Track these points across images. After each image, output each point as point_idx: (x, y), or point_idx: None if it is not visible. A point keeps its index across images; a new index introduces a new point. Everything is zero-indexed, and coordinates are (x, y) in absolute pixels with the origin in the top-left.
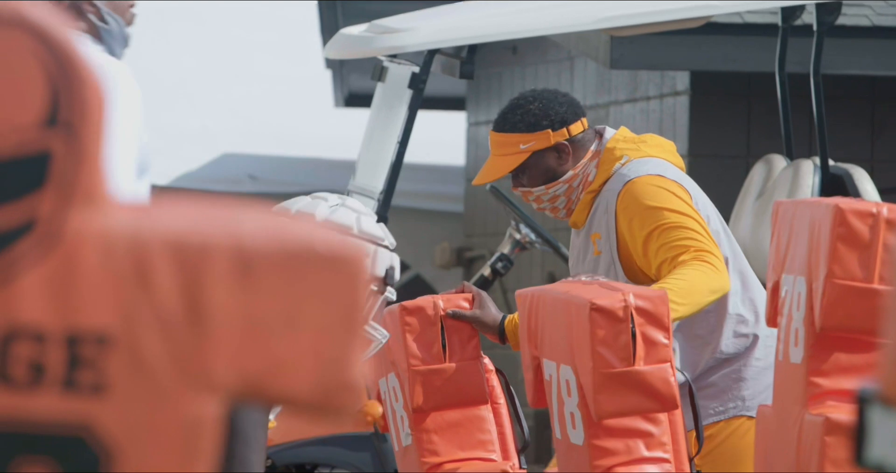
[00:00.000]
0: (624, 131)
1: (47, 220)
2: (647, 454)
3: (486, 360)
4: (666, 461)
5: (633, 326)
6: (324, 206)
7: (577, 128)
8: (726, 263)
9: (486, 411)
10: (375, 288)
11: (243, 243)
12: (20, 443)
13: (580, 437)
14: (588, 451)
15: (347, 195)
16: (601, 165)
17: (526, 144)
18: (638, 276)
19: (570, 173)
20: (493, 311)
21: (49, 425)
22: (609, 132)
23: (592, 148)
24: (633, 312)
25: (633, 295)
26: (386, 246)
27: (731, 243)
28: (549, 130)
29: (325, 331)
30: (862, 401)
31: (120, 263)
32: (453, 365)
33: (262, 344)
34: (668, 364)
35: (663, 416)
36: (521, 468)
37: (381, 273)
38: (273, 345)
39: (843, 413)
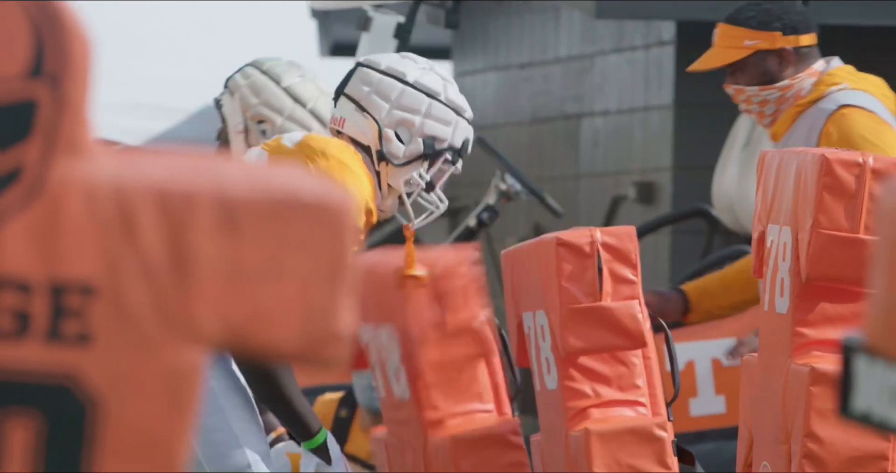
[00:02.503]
0: (850, 67)
1: (32, 170)
2: (620, 396)
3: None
4: (640, 404)
5: (600, 262)
6: (413, 67)
7: (806, 39)
8: None
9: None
10: (450, 157)
11: (227, 192)
12: (5, 394)
13: (555, 381)
14: (561, 393)
15: None
16: (818, 85)
17: (752, 41)
18: None
19: (786, 81)
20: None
21: (34, 375)
22: (836, 62)
23: (815, 66)
24: (600, 248)
25: (599, 231)
26: (466, 119)
27: None
28: (780, 33)
29: (310, 281)
30: (847, 351)
31: (104, 213)
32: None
33: (246, 294)
34: (636, 301)
35: (637, 359)
36: (513, 416)
37: (458, 144)
38: (258, 295)
39: (828, 363)
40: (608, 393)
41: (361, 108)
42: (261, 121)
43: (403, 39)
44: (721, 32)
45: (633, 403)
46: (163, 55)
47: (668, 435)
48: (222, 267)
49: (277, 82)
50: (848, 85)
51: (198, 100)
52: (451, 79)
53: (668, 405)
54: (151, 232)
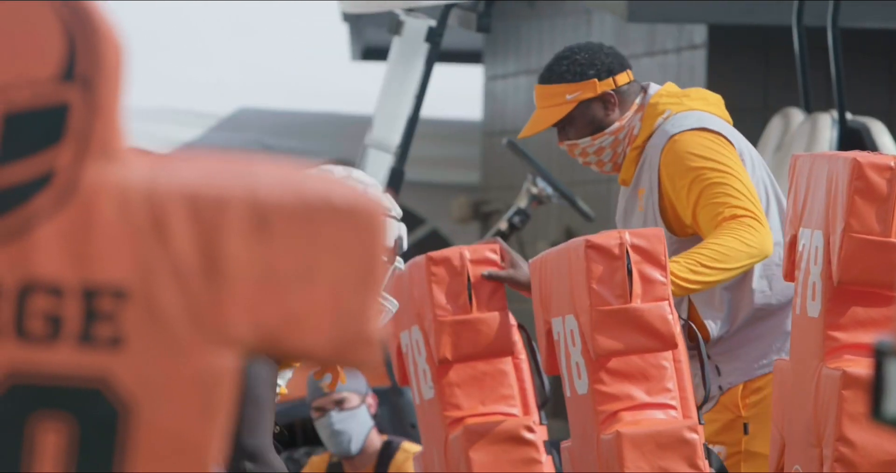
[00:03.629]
0: (669, 86)
1: (65, 173)
2: (651, 399)
3: (510, 315)
4: (671, 407)
5: (629, 263)
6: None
7: (622, 78)
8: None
9: (508, 365)
10: (385, 259)
11: (260, 196)
12: (38, 397)
13: (585, 386)
14: (591, 397)
15: (364, 149)
16: (645, 120)
17: (572, 94)
18: (685, 233)
19: (616, 124)
20: (525, 269)
21: (66, 378)
22: (654, 87)
23: (637, 101)
24: (629, 249)
25: (629, 233)
26: (393, 217)
27: (775, 191)
28: (596, 79)
29: (341, 285)
30: (879, 355)
31: (136, 216)
32: (480, 315)
33: (278, 298)
34: (666, 302)
35: (667, 362)
36: (541, 423)
37: (390, 243)
38: (289, 299)
39: (860, 366)
40: (639, 396)
41: None
42: None
43: (435, 43)
44: (539, 93)
45: (664, 406)
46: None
47: (699, 438)
48: (254, 270)
49: None
50: (671, 110)
51: (229, 104)
52: (373, 182)
53: (698, 408)
54: (183, 235)
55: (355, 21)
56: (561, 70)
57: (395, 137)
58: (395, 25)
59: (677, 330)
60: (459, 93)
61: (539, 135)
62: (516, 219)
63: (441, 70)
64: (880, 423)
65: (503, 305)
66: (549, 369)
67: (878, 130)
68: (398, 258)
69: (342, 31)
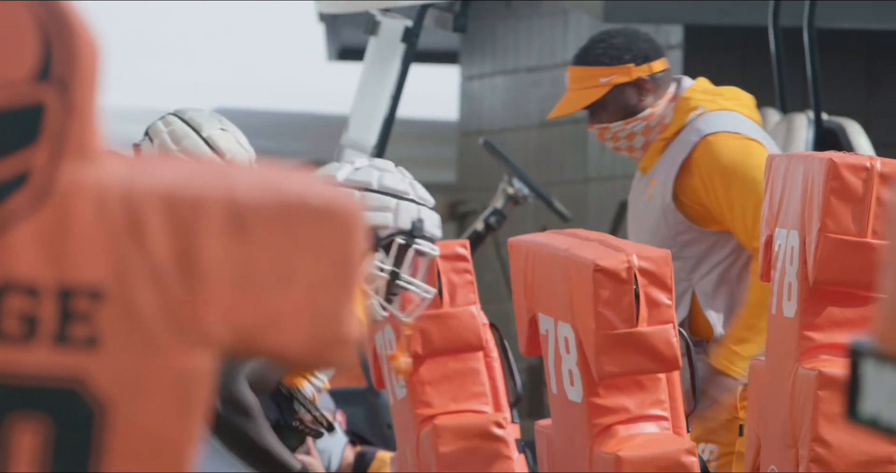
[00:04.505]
0: (703, 82)
1: (40, 174)
2: (645, 412)
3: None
4: (664, 419)
5: (637, 287)
6: (348, 168)
7: (658, 65)
8: None
9: (480, 363)
10: (403, 241)
11: (237, 196)
12: (13, 398)
13: (578, 395)
14: (587, 409)
15: (340, 150)
16: (676, 113)
17: (606, 78)
18: (709, 226)
19: (648, 110)
20: None
21: (42, 379)
22: (687, 81)
23: (671, 90)
24: (637, 273)
25: (636, 255)
26: (412, 200)
27: None
28: (632, 65)
29: (319, 285)
30: (855, 355)
31: (113, 216)
32: (451, 310)
33: (255, 298)
34: (671, 324)
35: (662, 374)
36: (513, 421)
37: (406, 225)
38: (266, 299)
39: (836, 367)
40: (633, 408)
41: None
42: None
43: (411, 43)
44: (573, 75)
45: (657, 418)
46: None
47: (695, 460)
48: (231, 271)
49: (198, 132)
50: (704, 108)
51: (207, 104)
52: (391, 168)
53: (686, 417)
54: (160, 236)
55: (332, 21)
56: (597, 53)
57: (371, 138)
58: (371, 26)
59: (679, 352)
60: (436, 93)
61: (515, 134)
62: (492, 220)
63: (417, 70)
64: (856, 423)
65: (474, 300)
66: (528, 351)
67: (854, 131)
68: (419, 240)
69: (318, 32)
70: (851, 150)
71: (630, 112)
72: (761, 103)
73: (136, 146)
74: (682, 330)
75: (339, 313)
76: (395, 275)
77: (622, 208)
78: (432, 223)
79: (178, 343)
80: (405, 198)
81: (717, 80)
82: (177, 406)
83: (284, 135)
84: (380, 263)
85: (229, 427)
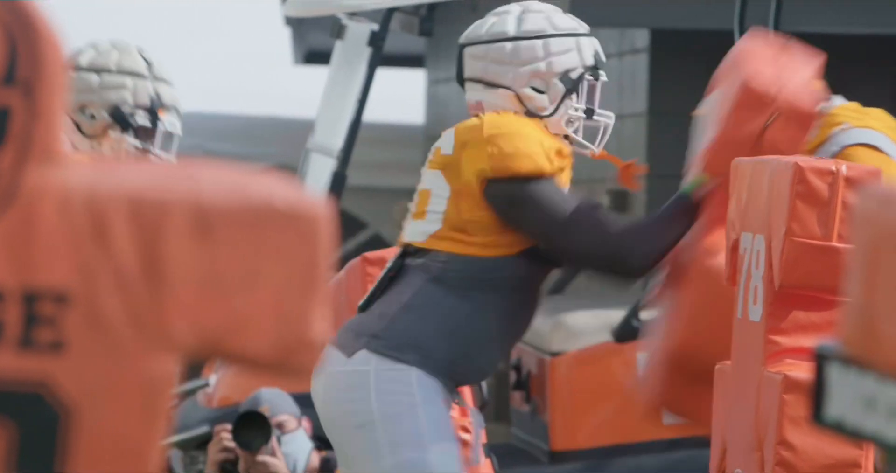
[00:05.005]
0: (853, 103)
1: (5, 177)
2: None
3: None
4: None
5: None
6: (510, 20)
7: None
8: None
9: None
10: (591, 77)
11: (202, 199)
12: None
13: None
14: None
15: (306, 153)
16: (821, 128)
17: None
18: None
19: None
20: None
21: (6, 383)
22: (838, 99)
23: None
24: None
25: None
26: (584, 33)
27: None
28: None
29: (284, 289)
30: (821, 359)
31: (78, 220)
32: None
33: (221, 302)
34: None
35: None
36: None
37: (590, 61)
38: (232, 303)
39: (801, 370)
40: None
41: (489, 84)
42: (82, 108)
43: (377, 47)
44: None
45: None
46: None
47: None
48: (196, 274)
49: (77, 67)
50: (849, 124)
51: None
52: (554, 8)
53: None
54: (125, 239)
55: (298, 25)
56: None
57: (338, 141)
58: (337, 29)
59: None
60: (402, 97)
61: None
62: None
63: (383, 74)
64: (821, 427)
65: None
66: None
67: None
68: (601, 72)
69: (285, 35)
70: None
71: None
72: None
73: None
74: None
75: (304, 316)
76: (590, 112)
77: None
78: (601, 52)
79: (143, 346)
80: (580, 35)
81: (682, 84)
82: (142, 410)
83: (251, 139)
84: (574, 105)
85: None
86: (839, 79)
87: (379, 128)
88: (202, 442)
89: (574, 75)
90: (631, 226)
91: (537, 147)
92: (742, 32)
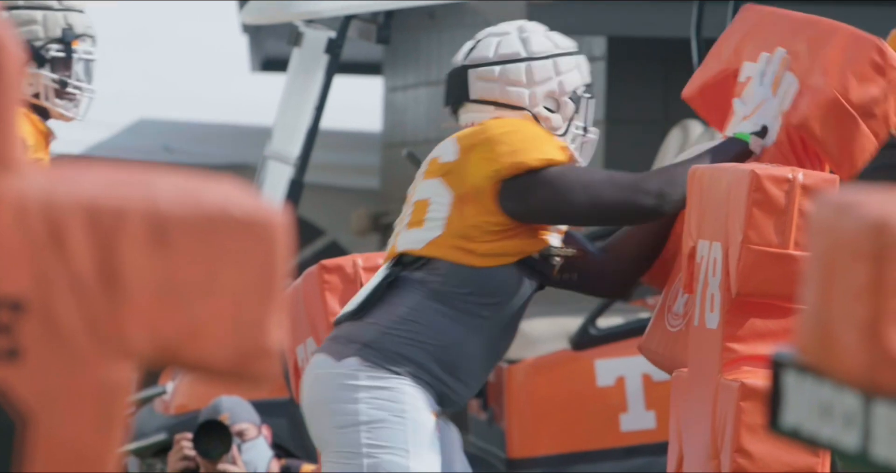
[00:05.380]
0: None
1: None
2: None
3: None
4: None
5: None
6: (516, 41)
7: None
8: None
9: None
10: (587, 93)
11: (159, 207)
12: None
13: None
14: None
15: (264, 160)
16: None
17: None
18: None
19: None
20: None
21: None
22: None
23: None
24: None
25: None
26: (567, 53)
27: None
28: None
29: (241, 296)
30: (777, 367)
31: (34, 228)
32: None
33: (177, 309)
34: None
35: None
36: None
37: (588, 78)
38: (189, 310)
39: (758, 378)
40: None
41: (502, 105)
42: None
43: (335, 55)
44: None
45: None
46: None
47: None
48: (153, 282)
49: None
50: None
51: (129, 114)
52: (539, 25)
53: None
54: (81, 247)
55: (255, 32)
56: None
57: (295, 149)
58: (294, 37)
59: None
60: (359, 104)
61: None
62: None
63: (341, 81)
64: (778, 434)
65: None
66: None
67: None
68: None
69: (242, 43)
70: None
71: None
72: (683, 115)
73: None
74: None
75: (262, 324)
76: (587, 129)
77: None
78: (586, 68)
79: (99, 354)
80: (576, 53)
81: (640, 92)
82: (98, 417)
83: (208, 146)
84: (578, 123)
85: None
86: None
87: (336, 136)
88: (159, 450)
89: (581, 92)
90: (659, 170)
91: (547, 141)
92: (699, 40)
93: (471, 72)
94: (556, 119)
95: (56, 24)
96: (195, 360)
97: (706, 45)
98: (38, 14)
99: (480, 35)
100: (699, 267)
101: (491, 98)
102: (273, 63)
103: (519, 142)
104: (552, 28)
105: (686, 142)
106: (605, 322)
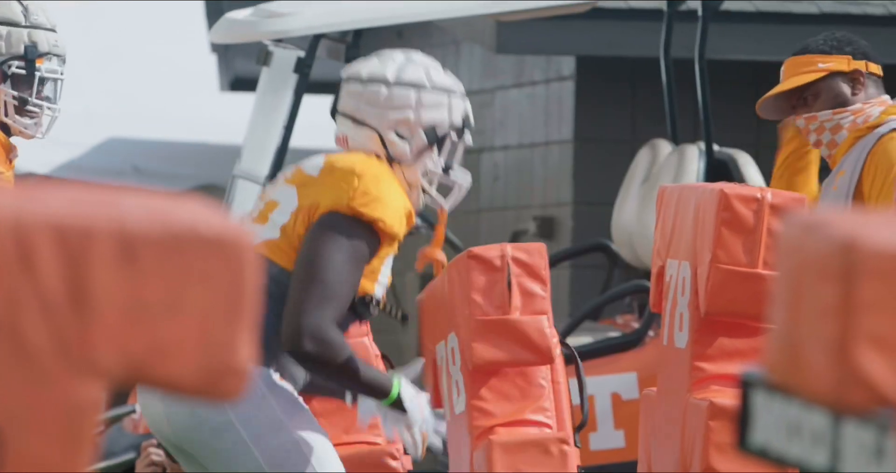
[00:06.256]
0: None
1: None
2: (526, 417)
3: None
4: (546, 426)
5: (510, 276)
6: (392, 66)
7: (875, 68)
8: None
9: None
10: (456, 137)
11: (127, 226)
12: None
13: (462, 404)
14: (469, 413)
15: (233, 180)
16: (883, 114)
17: (825, 63)
18: None
19: (859, 105)
20: None
21: None
22: None
23: (883, 98)
24: (511, 262)
25: (510, 247)
26: (459, 94)
27: None
28: (850, 56)
29: (210, 315)
30: (746, 386)
31: (2, 247)
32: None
33: (145, 328)
34: (545, 316)
35: (545, 381)
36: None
37: (458, 122)
38: (157, 329)
39: (727, 397)
40: (515, 413)
41: (357, 122)
42: None
43: (304, 74)
44: (789, 64)
45: (540, 424)
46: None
47: (570, 450)
48: (121, 301)
49: None
50: None
51: (97, 133)
52: (434, 62)
53: (575, 431)
54: (50, 266)
55: (224, 51)
56: (817, 43)
57: (264, 168)
58: (263, 56)
59: (554, 344)
60: (328, 123)
61: None
62: None
63: (310, 100)
64: (746, 453)
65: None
66: (436, 401)
67: (745, 162)
68: (468, 133)
69: (211, 62)
70: (743, 181)
71: (840, 103)
72: (652, 134)
73: None
74: (567, 344)
75: (230, 343)
76: (447, 169)
77: (515, 238)
78: (471, 115)
79: (67, 373)
80: (454, 93)
81: (609, 111)
82: (66, 436)
83: (177, 166)
84: (434, 158)
85: (327, 370)
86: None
87: (305, 154)
88: (128, 469)
89: (440, 131)
90: (340, 344)
91: (401, 206)
92: (667, 59)
93: (344, 84)
94: (404, 147)
95: (19, 41)
96: (163, 378)
97: (674, 65)
98: (3, 29)
99: (378, 54)
100: (668, 287)
101: (349, 113)
102: (242, 82)
103: (377, 189)
104: (522, 48)
105: (655, 162)
106: (575, 341)
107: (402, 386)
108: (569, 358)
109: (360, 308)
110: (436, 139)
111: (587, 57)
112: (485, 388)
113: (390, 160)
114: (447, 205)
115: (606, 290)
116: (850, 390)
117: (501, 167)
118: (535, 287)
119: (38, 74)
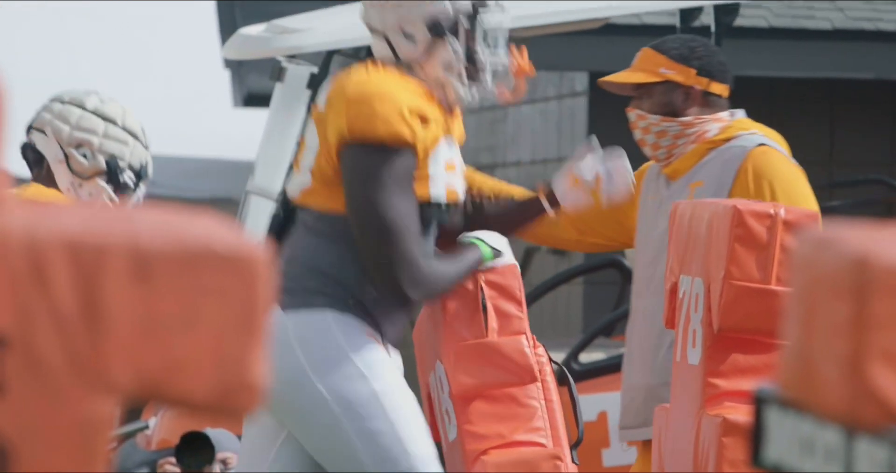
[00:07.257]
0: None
1: None
2: (520, 437)
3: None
4: (541, 445)
5: (484, 299)
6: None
7: (718, 88)
8: None
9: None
10: (467, 24)
11: (140, 242)
12: None
13: (454, 430)
14: (461, 439)
15: (246, 195)
16: (726, 129)
17: (668, 70)
18: None
19: (689, 118)
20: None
21: None
22: (741, 113)
23: (722, 115)
24: (484, 285)
25: (482, 272)
26: (140, 143)
27: None
28: (694, 71)
29: (224, 331)
30: (759, 402)
31: (16, 263)
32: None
33: (159, 344)
34: (523, 335)
35: (535, 401)
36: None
37: (465, 7)
38: (171, 345)
39: (740, 413)
40: (507, 434)
41: (372, 30)
42: (79, 146)
43: (317, 90)
44: (642, 55)
45: (534, 444)
46: None
47: (565, 467)
48: (135, 317)
49: (82, 107)
50: (758, 131)
51: None
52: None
53: (572, 448)
54: (64, 282)
55: (237, 68)
56: (672, 46)
57: (278, 184)
58: (277, 72)
59: (534, 362)
60: None
61: None
62: None
63: None
64: (760, 469)
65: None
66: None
67: None
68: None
69: (224, 78)
70: None
71: (670, 111)
72: None
73: (26, 145)
74: (558, 363)
75: (244, 359)
76: (471, 56)
77: (528, 254)
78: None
79: (81, 389)
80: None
81: (623, 128)
82: (80, 452)
83: (190, 181)
84: (451, 50)
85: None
86: (777, 122)
87: None
88: None
89: (445, 22)
90: (438, 273)
91: (395, 111)
92: None
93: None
94: (409, 47)
95: (139, 157)
96: (177, 395)
97: None
98: (131, 140)
99: None
100: (681, 303)
101: (367, 21)
102: (255, 98)
103: (368, 107)
104: (535, 64)
105: None
106: (587, 357)
107: (483, 242)
108: (579, 376)
109: (427, 216)
110: (442, 31)
111: (600, 73)
112: (474, 413)
113: (402, 63)
114: (491, 86)
115: (619, 306)
116: (864, 406)
117: (514, 183)
118: (511, 308)
119: (138, 192)
